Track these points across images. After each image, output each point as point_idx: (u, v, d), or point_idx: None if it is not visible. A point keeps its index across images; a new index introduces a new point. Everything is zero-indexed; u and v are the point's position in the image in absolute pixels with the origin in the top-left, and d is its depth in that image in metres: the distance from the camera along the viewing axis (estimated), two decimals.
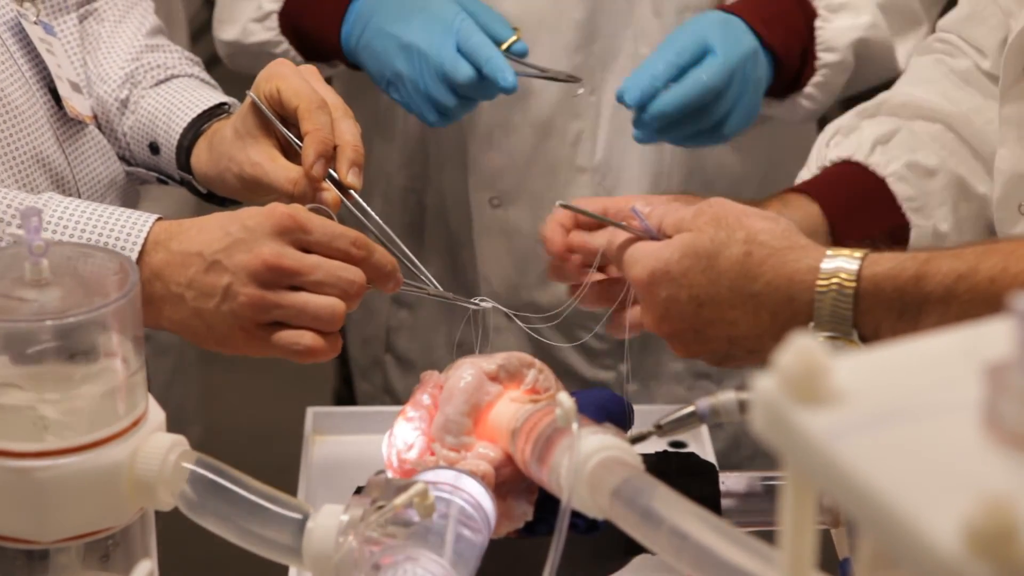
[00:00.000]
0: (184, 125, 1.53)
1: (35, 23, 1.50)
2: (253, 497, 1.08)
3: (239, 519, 1.08)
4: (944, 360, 0.73)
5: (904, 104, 1.55)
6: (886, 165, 1.50)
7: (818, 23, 1.66)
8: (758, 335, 1.27)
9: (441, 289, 1.43)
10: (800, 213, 1.46)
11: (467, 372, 1.29)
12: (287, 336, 1.32)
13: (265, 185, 1.43)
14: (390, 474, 1.30)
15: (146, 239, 1.33)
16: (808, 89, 1.67)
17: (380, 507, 1.07)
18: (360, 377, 2.00)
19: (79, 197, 1.47)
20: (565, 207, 1.40)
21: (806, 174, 1.55)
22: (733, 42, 1.56)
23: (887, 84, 1.64)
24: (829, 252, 1.25)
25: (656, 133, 1.55)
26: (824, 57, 1.66)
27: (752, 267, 1.26)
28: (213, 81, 1.64)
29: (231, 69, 1.84)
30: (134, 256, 1.32)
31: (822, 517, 1.27)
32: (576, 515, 1.09)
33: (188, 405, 2.43)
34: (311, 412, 1.59)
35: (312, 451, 1.55)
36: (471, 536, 1.16)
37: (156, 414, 1.12)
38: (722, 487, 1.38)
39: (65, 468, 1.05)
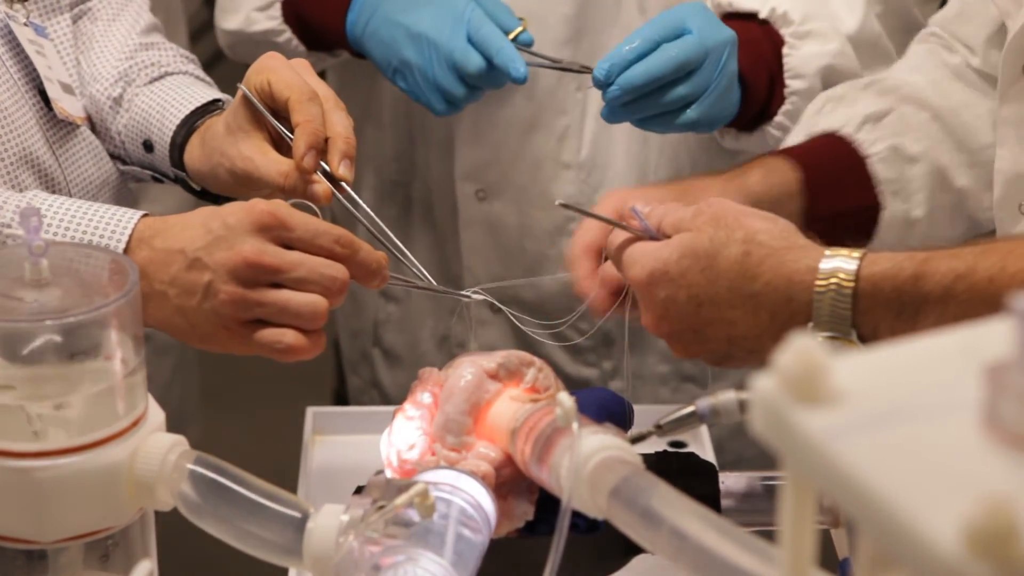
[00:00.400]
0: (177, 122, 1.53)
1: (25, 25, 1.50)
2: (253, 496, 1.08)
3: (239, 519, 1.07)
4: (944, 360, 0.73)
5: (896, 87, 1.55)
6: (871, 144, 1.50)
7: (785, 50, 1.64)
8: (757, 335, 1.27)
9: (434, 282, 1.43)
10: (780, 177, 1.46)
11: (467, 371, 1.29)
12: (269, 334, 1.31)
13: (256, 179, 1.42)
14: (390, 474, 1.30)
15: (130, 236, 1.33)
16: (778, 118, 1.65)
17: (380, 507, 1.07)
18: (350, 371, 2.01)
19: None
20: (565, 207, 1.40)
21: (792, 138, 1.55)
22: (712, 27, 1.55)
23: None
24: (828, 252, 1.25)
25: (622, 108, 1.52)
26: (792, 84, 1.64)
27: (751, 267, 1.26)
28: (208, 78, 1.64)
29: (230, 66, 1.84)
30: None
31: (822, 517, 1.27)
32: (576, 515, 1.09)
33: (188, 405, 2.43)
34: (311, 412, 1.59)
35: (312, 451, 1.55)
36: (471, 536, 1.16)
37: (156, 414, 1.12)
38: (722, 487, 1.38)
39: (65, 468, 1.05)
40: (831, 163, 1.50)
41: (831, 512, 1.27)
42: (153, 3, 1.71)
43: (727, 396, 1.19)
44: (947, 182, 1.52)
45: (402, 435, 1.30)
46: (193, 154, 1.51)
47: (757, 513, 1.31)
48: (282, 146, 1.43)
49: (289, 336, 1.31)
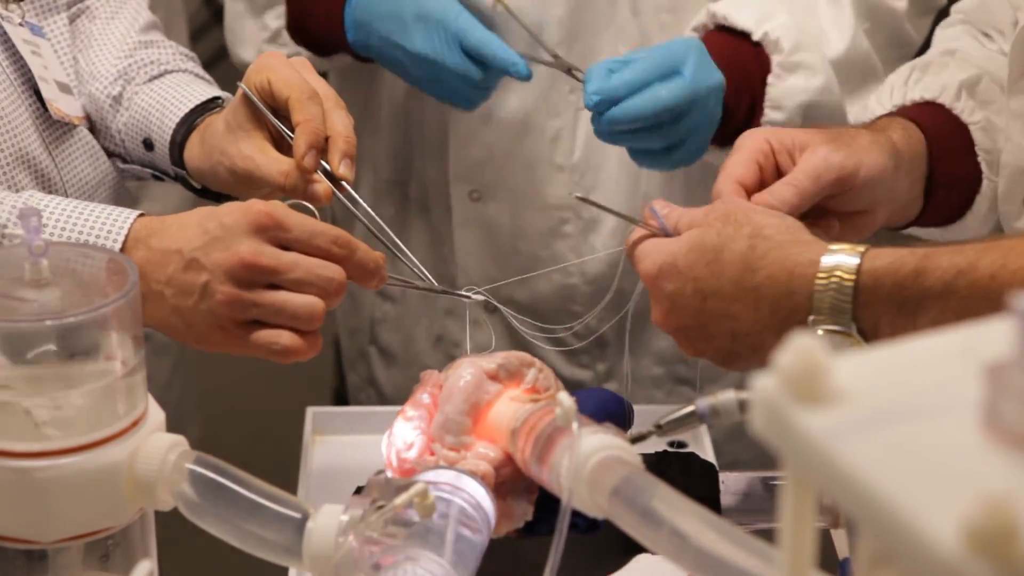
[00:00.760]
0: (177, 120, 1.53)
1: (20, 25, 1.50)
2: (253, 496, 1.08)
3: (238, 519, 1.07)
4: (944, 360, 0.73)
5: (968, 57, 1.52)
6: (971, 112, 1.48)
7: (771, 79, 1.64)
8: (759, 331, 1.27)
9: (434, 282, 1.43)
10: (916, 137, 1.43)
11: (467, 371, 1.29)
12: (265, 336, 1.31)
13: (257, 178, 1.42)
14: (390, 474, 1.30)
15: (127, 236, 1.33)
16: None
17: (380, 507, 1.07)
18: (348, 369, 2.01)
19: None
20: (581, 200, 1.41)
21: (879, 109, 1.52)
22: (704, 71, 1.55)
23: None
24: (831, 247, 1.25)
25: (609, 137, 1.55)
26: (770, 115, 1.64)
27: (754, 260, 1.26)
28: (208, 76, 1.64)
29: (231, 65, 1.84)
30: None
31: (822, 517, 1.27)
32: (576, 515, 1.09)
33: (188, 405, 2.43)
34: (311, 412, 1.59)
35: (312, 451, 1.55)
36: (471, 536, 1.16)
37: (156, 414, 1.12)
38: (722, 487, 1.38)
39: (65, 468, 1.05)
40: (943, 129, 1.47)
41: (831, 512, 1.27)
42: (153, 1, 1.71)
43: (727, 396, 1.19)
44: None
45: (401, 435, 1.30)
46: (193, 152, 1.51)
47: (757, 513, 1.31)
48: (282, 145, 1.43)
49: (285, 337, 1.31)
